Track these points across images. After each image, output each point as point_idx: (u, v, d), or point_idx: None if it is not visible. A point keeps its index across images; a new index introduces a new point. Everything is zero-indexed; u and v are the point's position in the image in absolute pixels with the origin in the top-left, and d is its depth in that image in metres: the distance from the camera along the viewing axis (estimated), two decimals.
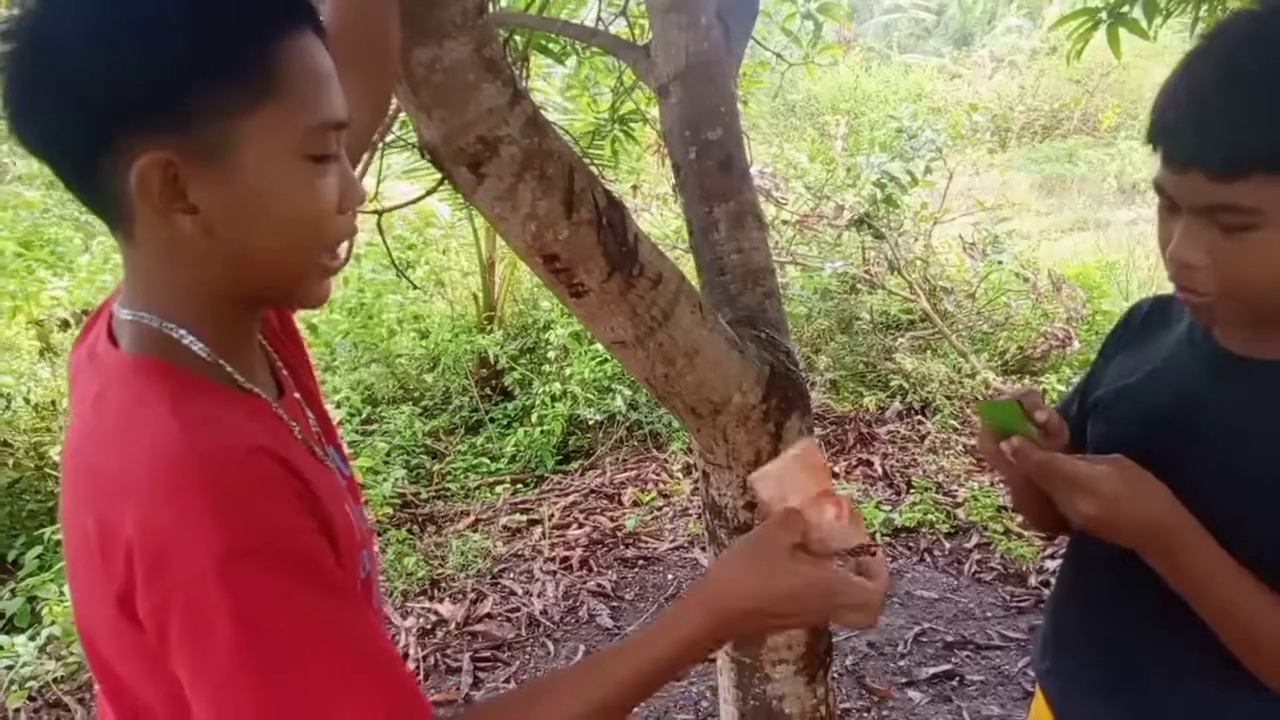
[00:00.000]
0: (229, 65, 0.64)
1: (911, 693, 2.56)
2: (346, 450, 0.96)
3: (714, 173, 1.60)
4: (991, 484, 3.72)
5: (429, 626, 2.97)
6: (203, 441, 0.63)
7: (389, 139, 2.13)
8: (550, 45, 2.65)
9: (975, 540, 3.38)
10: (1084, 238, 7.06)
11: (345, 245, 0.77)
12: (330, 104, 0.69)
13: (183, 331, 0.70)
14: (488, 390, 4.67)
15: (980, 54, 13.32)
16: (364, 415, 4.35)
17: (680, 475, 4.00)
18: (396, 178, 4.08)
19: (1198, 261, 0.83)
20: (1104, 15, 2.39)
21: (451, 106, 1.06)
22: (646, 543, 3.49)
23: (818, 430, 4.34)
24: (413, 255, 5.08)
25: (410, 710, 0.65)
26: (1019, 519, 3.45)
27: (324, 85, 0.69)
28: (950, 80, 12.33)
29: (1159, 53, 6.54)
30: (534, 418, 4.30)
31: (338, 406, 4.15)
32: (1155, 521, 0.85)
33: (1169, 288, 0.94)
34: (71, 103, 0.63)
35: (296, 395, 0.85)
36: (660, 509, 3.76)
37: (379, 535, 3.48)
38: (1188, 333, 1.00)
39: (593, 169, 3.23)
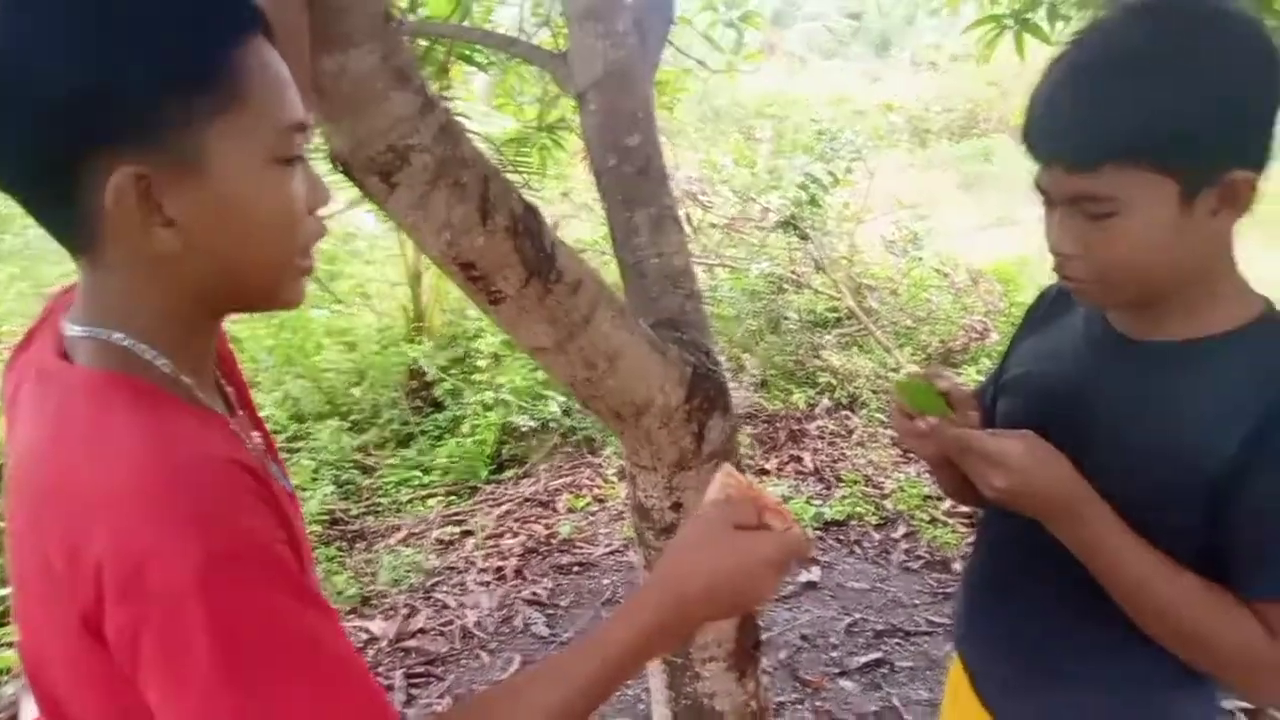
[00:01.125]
0: (194, 74, 0.64)
1: (844, 682, 2.62)
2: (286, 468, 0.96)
3: (633, 178, 1.61)
4: (918, 475, 3.82)
5: (360, 645, 2.92)
6: (175, 454, 0.62)
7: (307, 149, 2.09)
8: (474, 55, 2.65)
9: (903, 530, 3.47)
10: (1000, 234, 7.29)
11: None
12: (293, 106, 0.70)
13: (145, 347, 0.69)
14: (418, 402, 4.61)
15: (900, 57, 13.68)
16: (290, 432, 4.25)
17: (615, 479, 4.01)
18: None
19: (1072, 250, 0.90)
20: (1010, 21, 2.50)
21: (360, 116, 1.06)
22: (582, 548, 3.49)
23: (749, 429, 4.40)
24: (335, 268, 4.99)
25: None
26: (944, 506, 3.56)
27: (285, 88, 0.70)
28: (872, 84, 12.63)
29: None
30: (466, 428, 4.26)
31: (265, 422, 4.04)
32: (1059, 494, 0.90)
33: None
34: (36, 124, 0.62)
35: (241, 412, 0.85)
36: (595, 514, 3.77)
37: None
38: (1085, 317, 1.06)
39: (519, 176, 3.22)
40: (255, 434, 0.86)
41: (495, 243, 1.17)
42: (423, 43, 2.22)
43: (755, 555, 0.79)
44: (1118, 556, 0.91)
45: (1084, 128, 0.83)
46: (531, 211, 1.22)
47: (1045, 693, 1.09)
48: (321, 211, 0.77)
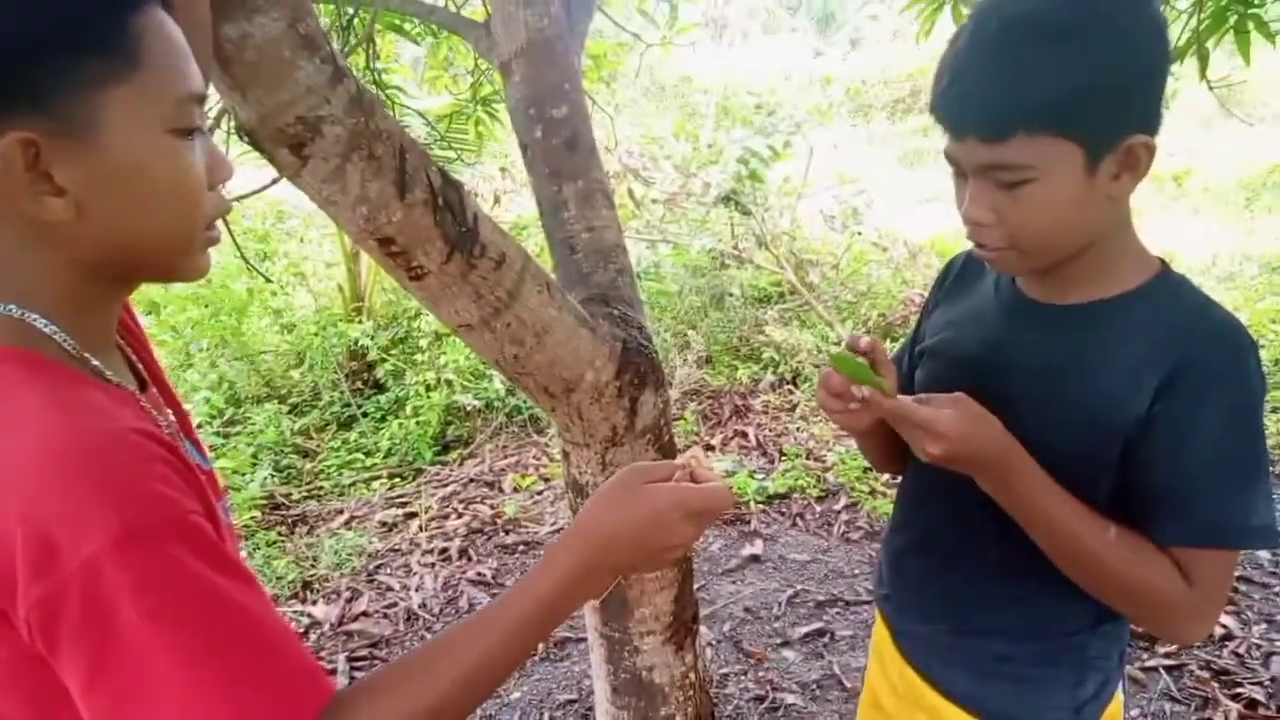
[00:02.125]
0: (85, 38, 0.62)
1: (786, 652, 2.65)
2: (205, 447, 0.94)
3: (561, 151, 1.59)
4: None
5: (302, 630, 2.87)
6: (84, 426, 0.61)
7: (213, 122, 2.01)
8: (404, 25, 2.58)
9: (844, 502, 3.52)
10: (938, 208, 7.39)
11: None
12: (191, 76, 0.69)
13: (43, 321, 0.67)
14: (359, 384, 4.54)
15: (842, 33, 13.74)
16: (226, 416, 4.16)
17: (560, 458, 3.99)
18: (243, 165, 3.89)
19: (985, 219, 0.91)
20: None
21: (267, 85, 1.02)
22: (527, 528, 3.48)
23: (694, 405, 4.41)
24: (269, 247, 4.86)
25: (315, 686, 0.65)
26: (884, 478, 3.62)
27: (182, 57, 0.68)
28: (814, 59, 12.67)
29: None
30: (409, 409, 4.21)
31: (198, 406, 3.94)
32: (992, 452, 0.93)
33: None
34: None
35: (153, 389, 0.83)
36: (541, 493, 3.75)
37: (246, 540, 3.34)
38: (995, 283, 1.09)
39: (453, 152, 3.14)
40: (169, 411, 0.84)
41: (414, 217, 1.14)
42: (349, 11, 2.15)
43: (666, 504, 0.79)
44: (1046, 509, 0.94)
45: (995, 99, 0.85)
46: (452, 184, 1.19)
47: (966, 645, 1.12)
48: (226, 187, 0.75)
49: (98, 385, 0.69)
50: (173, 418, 0.84)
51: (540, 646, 2.73)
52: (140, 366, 0.84)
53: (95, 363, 0.70)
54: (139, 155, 0.66)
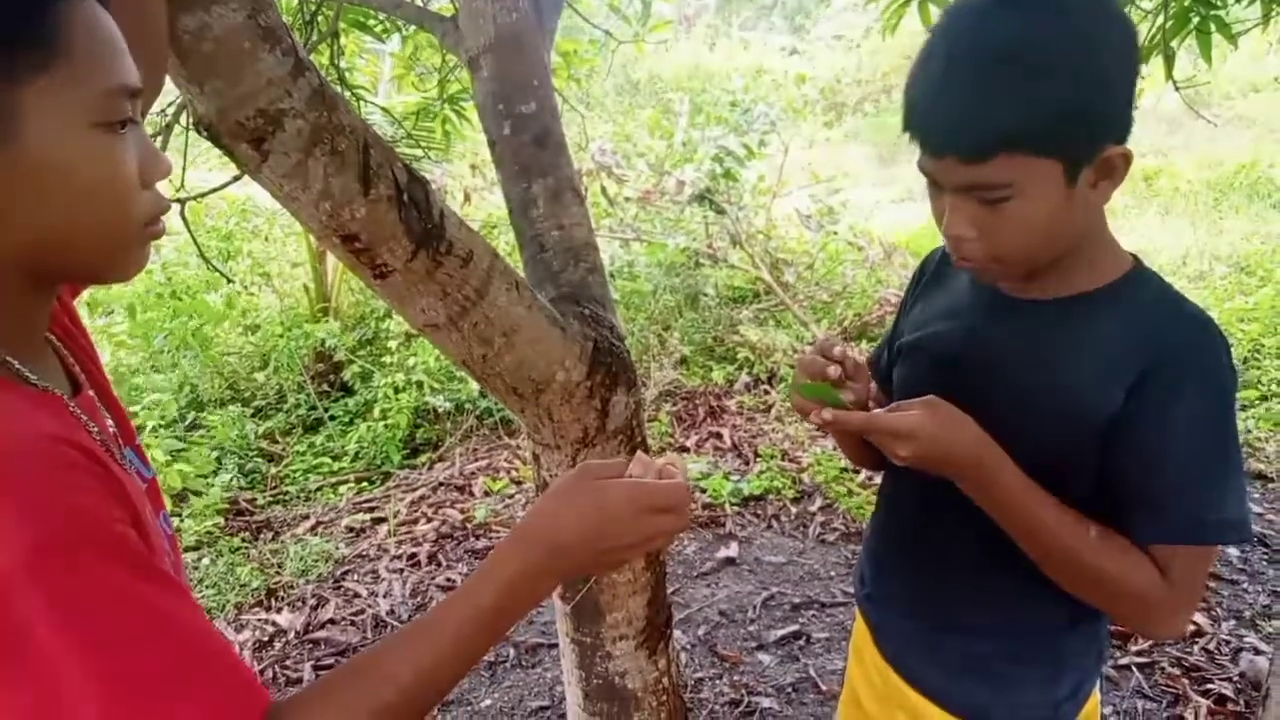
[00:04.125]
0: (9, 29, 0.59)
1: (761, 655, 2.63)
2: (147, 454, 0.90)
3: (530, 147, 1.56)
4: (834, 448, 3.86)
5: (266, 639, 2.81)
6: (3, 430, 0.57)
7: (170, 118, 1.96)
8: (368, 21, 2.53)
9: (819, 503, 3.50)
10: (913, 207, 7.44)
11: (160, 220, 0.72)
12: (121, 68, 0.64)
13: None
14: (325, 386, 4.46)
15: (818, 30, 13.79)
16: (189, 421, 4.07)
17: (531, 461, 3.95)
18: (200, 164, 3.81)
19: (967, 234, 0.91)
20: None
21: (226, 78, 0.98)
22: (498, 532, 3.43)
23: (668, 407, 4.39)
24: (231, 247, 4.77)
25: (251, 697, 0.62)
26: (860, 478, 3.61)
27: (111, 49, 0.64)
28: (789, 56, 12.69)
29: None
30: (377, 412, 4.14)
31: (155, 410, 3.85)
32: (966, 453, 0.93)
33: None
34: None
35: (91, 393, 0.79)
36: (513, 496, 3.71)
37: (209, 546, 3.26)
38: (972, 280, 1.09)
39: (420, 150, 3.09)
40: (107, 416, 0.80)
41: (379, 213, 1.11)
42: (310, 7, 2.10)
43: (616, 499, 0.77)
44: (1025, 510, 0.94)
45: (975, 121, 0.84)
46: (417, 180, 1.16)
47: (945, 644, 1.13)
48: (162, 185, 0.71)
49: (17, 388, 0.65)
50: (111, 424, 0.80)
51: (511, 653, 2.69)
52: (77, 370, 0.80)
53: (16, 365, 0.66)
54: (61, 151, 0.62)
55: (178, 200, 2.34)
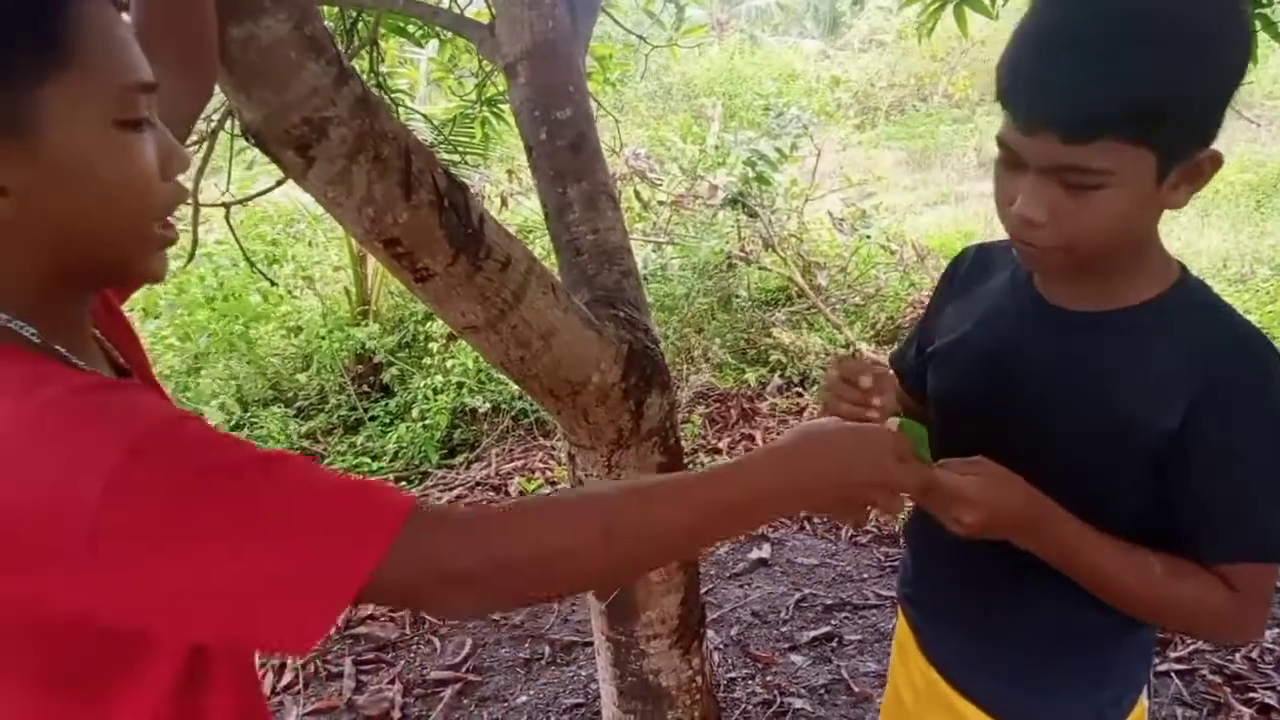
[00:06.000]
0: (17, 31, 0.60)
1: (794, 656, 2.64)
2: None
3: (565, 153, 1.58)
4: None
5: None
6: (59, 386, 0.59)
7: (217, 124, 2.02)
8: (408, 27, 2.58)
9: None
10: (946, 210, 7.37)
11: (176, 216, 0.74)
12: (135, 66, 0.66)
13: (6, 317, 0.65)
14: (365, 387, 4.54)
15: (849, 35, 13.73)
16: (234, 420, 4.16)
17: (567, 461, 3.98)
18: (252, 170, 3.90)
19: (1040, 218, 0.85)
20: None
21: (272, 86, 1.01)
22: None
23: (701, 408, 4.40)
24: (277, 251, 4.87)
25: (399, 502, 0.65)
26: None
27: (125, 47, 0.66)
28: (821, 61, 12.65)
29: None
30: (415, 413, 4.20)
31: (211, 413, 3.94)
32: (1020, 514, 0.91)
33: None
34: None
35: (135, 380, 0.82)
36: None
37: None
38: (1009, 282, 1.05)
39: (460, 154, 3.14)
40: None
41: (420, 218, 1.14)
42: (351, 14, 2.15)
43: (875, 432, 0.83)
44: (1086, 558, 0.92)
45: (1086, 100, 0.77)
46: (457, 186, 1.19)
47: (989, 648, 1.11)
48: (180, 177, 0.72)
49: (71, 368, 0.67)
50: None
51: (546, 650, 2.72)
52: (122, 361, 0.82)
53: (62, 350, 0.68)
54: (82, 150, 0.63)
55: (223, 205, 2.40)
